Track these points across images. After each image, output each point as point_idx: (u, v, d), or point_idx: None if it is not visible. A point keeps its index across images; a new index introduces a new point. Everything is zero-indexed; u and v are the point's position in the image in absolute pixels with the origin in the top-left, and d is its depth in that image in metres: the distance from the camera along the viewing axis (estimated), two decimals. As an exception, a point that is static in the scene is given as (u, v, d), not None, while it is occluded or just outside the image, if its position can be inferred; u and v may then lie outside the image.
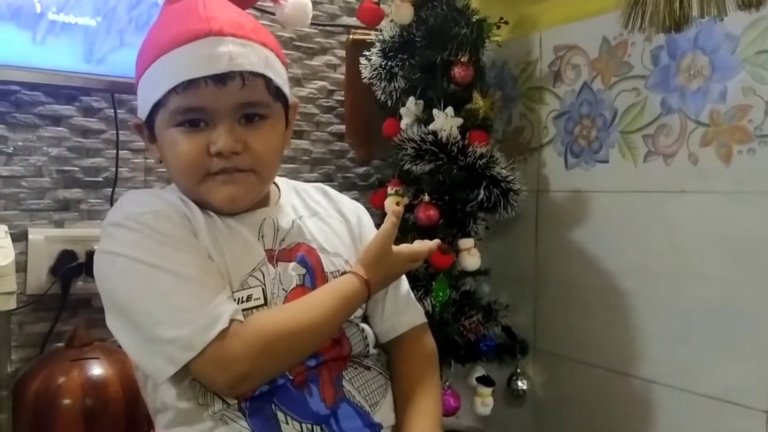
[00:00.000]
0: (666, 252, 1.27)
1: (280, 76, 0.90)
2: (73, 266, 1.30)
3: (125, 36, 1.25)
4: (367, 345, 0.97)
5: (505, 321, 1.45)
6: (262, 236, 0.91)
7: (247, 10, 1.00)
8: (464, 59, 1.37)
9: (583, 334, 1.43)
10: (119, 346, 1.29)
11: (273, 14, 1.03)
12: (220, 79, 0.82)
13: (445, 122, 1.35)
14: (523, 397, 1.51)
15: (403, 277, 1.05)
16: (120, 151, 1.35)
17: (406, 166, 1.36)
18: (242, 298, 0.85)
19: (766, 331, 1.12)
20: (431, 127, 1.36)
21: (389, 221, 0.95)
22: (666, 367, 1.27)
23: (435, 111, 1.36)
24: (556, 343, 1.50)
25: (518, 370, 1.49)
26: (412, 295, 1.06)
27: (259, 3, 1.06)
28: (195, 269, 0.82)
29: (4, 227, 1.17)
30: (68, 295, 1.31)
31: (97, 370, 1.18)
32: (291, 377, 0.86)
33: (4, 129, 1.28)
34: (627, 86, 1.33)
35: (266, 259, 0.89)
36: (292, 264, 0.91)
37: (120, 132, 1.35)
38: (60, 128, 1.33)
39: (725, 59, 1.17)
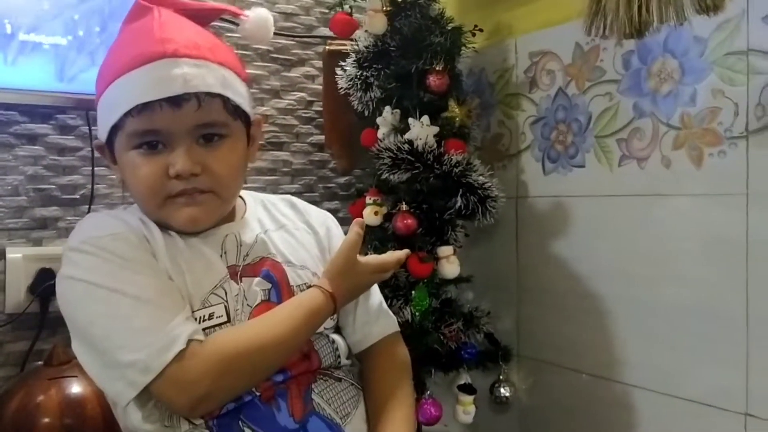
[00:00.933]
0: (644, 255, 1.27)
1: (239, 94, 0.90)
2: (51, 284, 1.29)
3: (96, 55, 1.26)
4: (338, 356, 0.97)
5: (487, 328, 1.44)
6: (225, 252, 0.91)
7: (213, 23, 1.00)
8: (439, 68, 1.37)
9: (566, 339, 1.43)
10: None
11: (236, 24, 1.03)
12: (175, 102, 0.82)
13: (421, 131, 1.36)
14: (507, 404, 1.51)
15: (375, 287, 1.05)
16: (96, 168, 1.35)
17: (384, 176, 1.36)
18: (204, 316, 0.85)
19: (742, 333, 1.12)
20: (407, 136, 1.36)
21: (353, 231, 0.95)
22: (647, 371, 1.27)
23: (411, 120, 1.37)
24: (539, 349, 1.49)
25: (501, 377, 1.49)
26: (384, 304, 1.06)
27: (222, 17, 1.05)
28: (154, 291, 0.82)
29: (-20, 247, 1.17)
30: (47, 314, 1.31)
31: (75, 388, 1.18)
32: (258, 393, 0.86)
33: (-21, 149, 1.28)
34: (600, 91, 1.33)
35: (229, 276, 0.89)
36: (257, 279, 0.91)
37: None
38: (36, 147, 1.33)
39: (694, 62, 1.17)
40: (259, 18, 0.99)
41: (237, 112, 0.90)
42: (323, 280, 0.93)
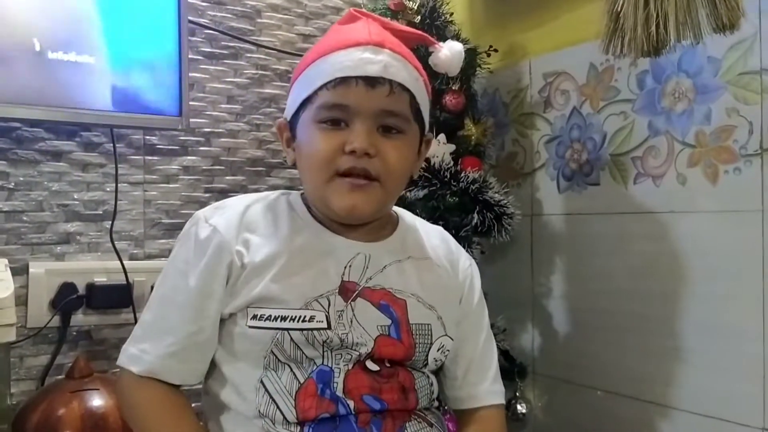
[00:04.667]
0: (660, 272, 1.28)
1: (424, 99, 0.93)
2: (73, 299, 1.32)
3: (124, 73, 1.29)
4: (433, 399, 0.95)
5: (503, 345, 1.45)
6: (350, 266, 0.91)
7: None
8: (455, 87, 1.41)
9: (581, 356, 1.43)
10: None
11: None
12: (370, 82, 0.86)
13: (438, 149, 1.38)
14: (523, 421, 1.51)
15: (495, 351, 1.02)
16: (119, 185, 1.38)
17: (400, 193, 1.38)
18: (305, 317, 0.85)
19: (759, 348, 1.13)
20: (424, 154, 1.38)
21: None
22: (663, 387, 1.28)
23: (428, 138, 1.39)
24: (555, 366, 1.50)
25: (517, 394, 1.49)
26: (499, 372, 1.02)
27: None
28: (179, 304, 0.86)
29: (5, 261, 1.19)
30: (68, 328, 1.33)
31: (96, 401, 1.19)
32: (354, 413, 0.85)
33: (5, 165, 1.31)
34: (615, 110, 1.36)
35: (337, 290, 0.89)
36: (377, 313, 0.90)
37: (119, 165, 1.38)
38: (60, 163, 1.36)
39: (708, 81, 1.20)
40: (453, 49, 1.05)
41: (418, 115, 0.92)
42: None
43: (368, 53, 0.87)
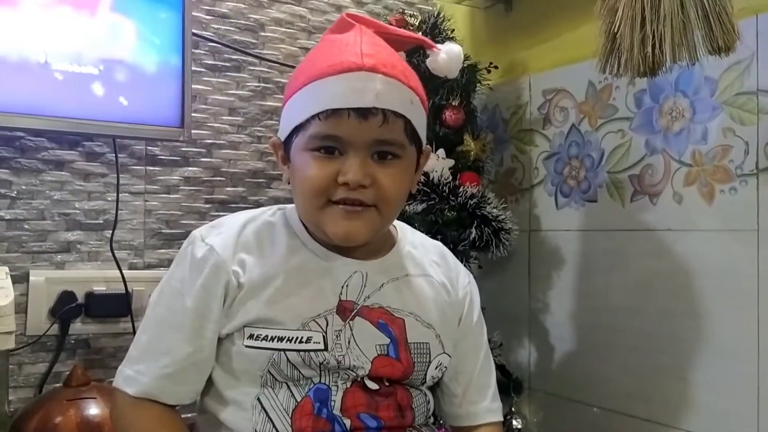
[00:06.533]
0: (656, 290, 1.29)
1: (420, 120, 0.91)
2: (72, 307, 1.33)
3: (127, 84, 1.30)
4: (429, 415, 0.95)
5: (499, 360, 1.46)
6: (347, 286, 0.90)
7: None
8: (455, 103, 1.42)
9: (577, 372, 1.44)
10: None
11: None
12: (363, 113, 0.84)
13: (437, 164, 1.39)
14: (518, 437, 1.51)
15: (494, 368, 1.02)
16: (120, 194, 1.39)
17: (399, 207, 1.39)
18: (301, 338, 0.85)
19: (752, 366, 1.14)
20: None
21: None
22: (659, 404, 1.28)
23: (427, 153, 1.40)
24: (550, 382, 1.50)
25: (513, 409, 1.49)
26: (497, 389, 1.02)
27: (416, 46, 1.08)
28: (173, 324, 0.86)
29: (5, 269, 1.20)
30: (67, 336, 1.34)
31: (93, 410, 1.19)
32: (349, 429, 0.85)
33: (8, 174, 1.32)
34: (613, 128, 1.37)
35: (335, 309, 0.88)
36: (376, 332, 0.89)
37: (120, 175, 1.39)
38: (63, 172, 1.37)
39: (705, 101, 1.21)
40: (451, 52, 1.04)
41: (414, 137, 0.90)
42: None
43: (360, 82, 0.84)
